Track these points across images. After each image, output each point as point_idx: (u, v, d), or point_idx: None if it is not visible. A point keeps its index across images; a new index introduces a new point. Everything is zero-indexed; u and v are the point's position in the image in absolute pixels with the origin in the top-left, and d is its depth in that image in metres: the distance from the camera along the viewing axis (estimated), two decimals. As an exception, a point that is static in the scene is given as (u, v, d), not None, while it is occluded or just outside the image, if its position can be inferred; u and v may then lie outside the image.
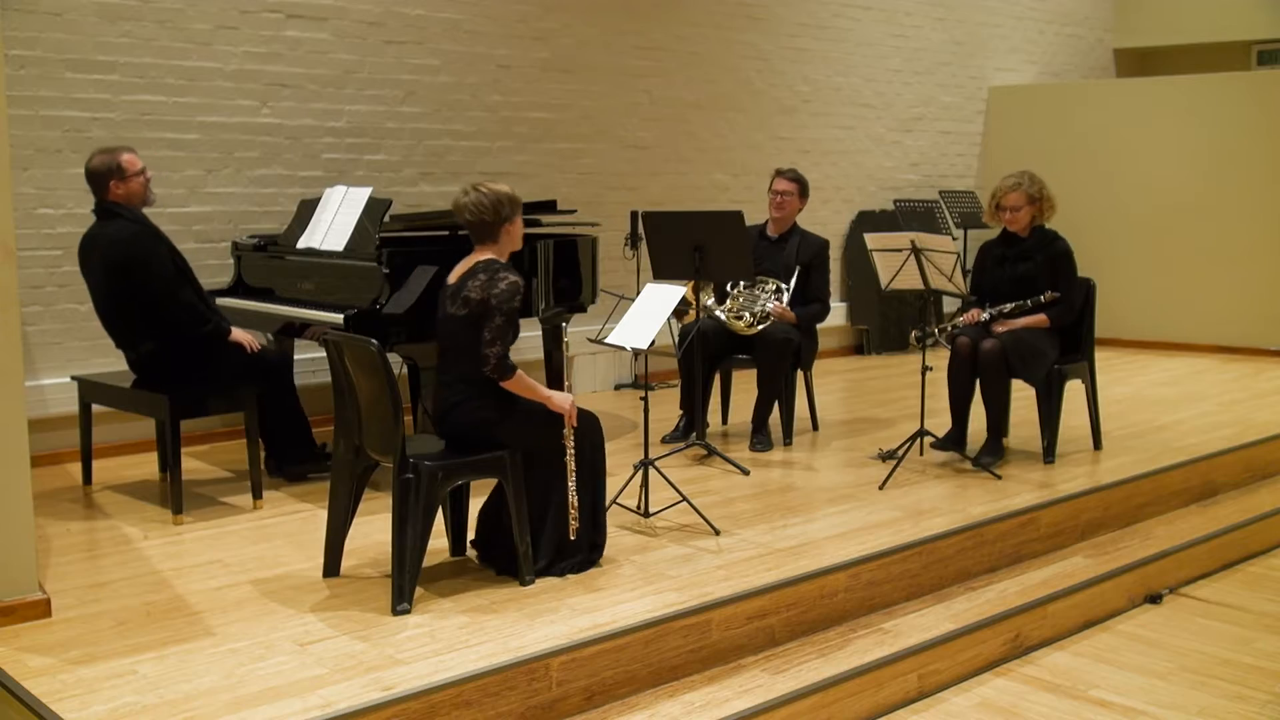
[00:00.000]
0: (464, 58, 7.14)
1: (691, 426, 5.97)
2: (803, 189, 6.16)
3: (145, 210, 4.97)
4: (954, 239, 6.66)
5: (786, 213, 6.14)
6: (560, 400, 4.03)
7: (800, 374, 6.24)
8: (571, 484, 4.05)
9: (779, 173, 6.21)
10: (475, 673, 3.28)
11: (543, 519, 4.08)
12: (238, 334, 5.04)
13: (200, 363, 4.95)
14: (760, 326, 5.83)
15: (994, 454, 5.60)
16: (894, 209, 9.54)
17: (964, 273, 5.40)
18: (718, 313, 5.84)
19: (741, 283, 5.91)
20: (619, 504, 4.69)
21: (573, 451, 4.06)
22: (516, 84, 7.40)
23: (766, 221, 6.21)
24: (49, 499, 5.08)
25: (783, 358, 5.91)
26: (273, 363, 5.22)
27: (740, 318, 5.85)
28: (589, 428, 4.20)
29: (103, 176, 4.85)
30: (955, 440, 5.64)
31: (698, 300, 5.67)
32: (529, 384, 3.99)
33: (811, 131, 9.15)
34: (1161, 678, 4.07)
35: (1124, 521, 5.34)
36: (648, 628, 3.62)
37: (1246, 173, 9.18)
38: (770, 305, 5.84)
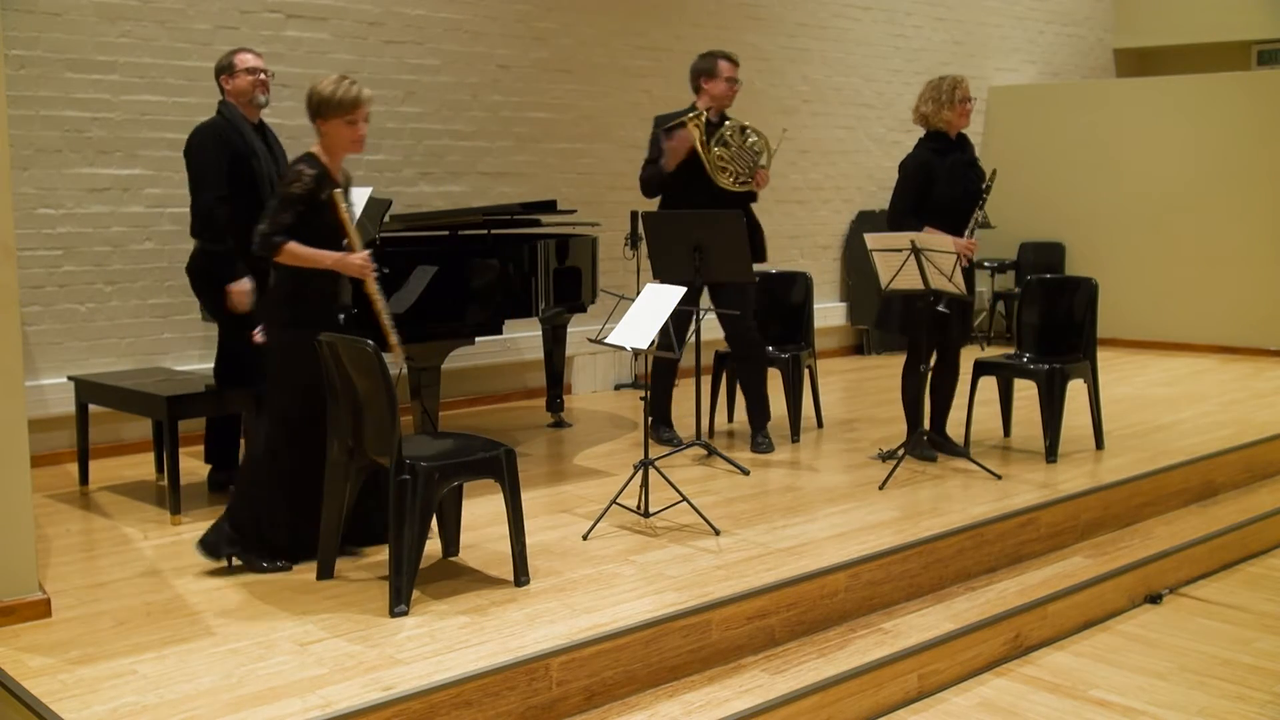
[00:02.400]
0: (464, 58, 7.14)
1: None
2: None
3: (264, 113, 5.00)
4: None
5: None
6: (350, 258, 4.10)
7: (806, 372, 6.30)
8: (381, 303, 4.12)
9: (730, 59, 5.85)
10: (475, 673, 3.27)
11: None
12: (239, 287, 4.81)
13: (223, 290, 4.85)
14: (743, 188, 5.75)
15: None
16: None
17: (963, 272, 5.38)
18: (712, 151, 5.70)
19: (735, 130, 5.75)
20: (619, 504, 4.68)
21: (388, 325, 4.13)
22: (516, 84, 7.40)
23: (694, 109, 5.85)
24: (49, 499, 5.08)
25: (756, 359, 5.93)
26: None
27: (725, 170, 5.75)
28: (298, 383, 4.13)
29: (216, 75, 4.98)
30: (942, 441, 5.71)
31: (706, 144, 5.65)
32: (304, 253, 4.05)
33: (811, 131, 9.15)
34: (1161, 678, 4.07)
35: (1124, 521, 5.34)
36: (648, 628, 3.62)
37: (1246, 173, 9.18)
38: (761, 164, 5.79)
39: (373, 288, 4.14)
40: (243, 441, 5.15)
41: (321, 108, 4.11)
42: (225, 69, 4.95)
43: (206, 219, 4.84)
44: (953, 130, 5.60)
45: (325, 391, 3.98)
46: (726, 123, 5.80)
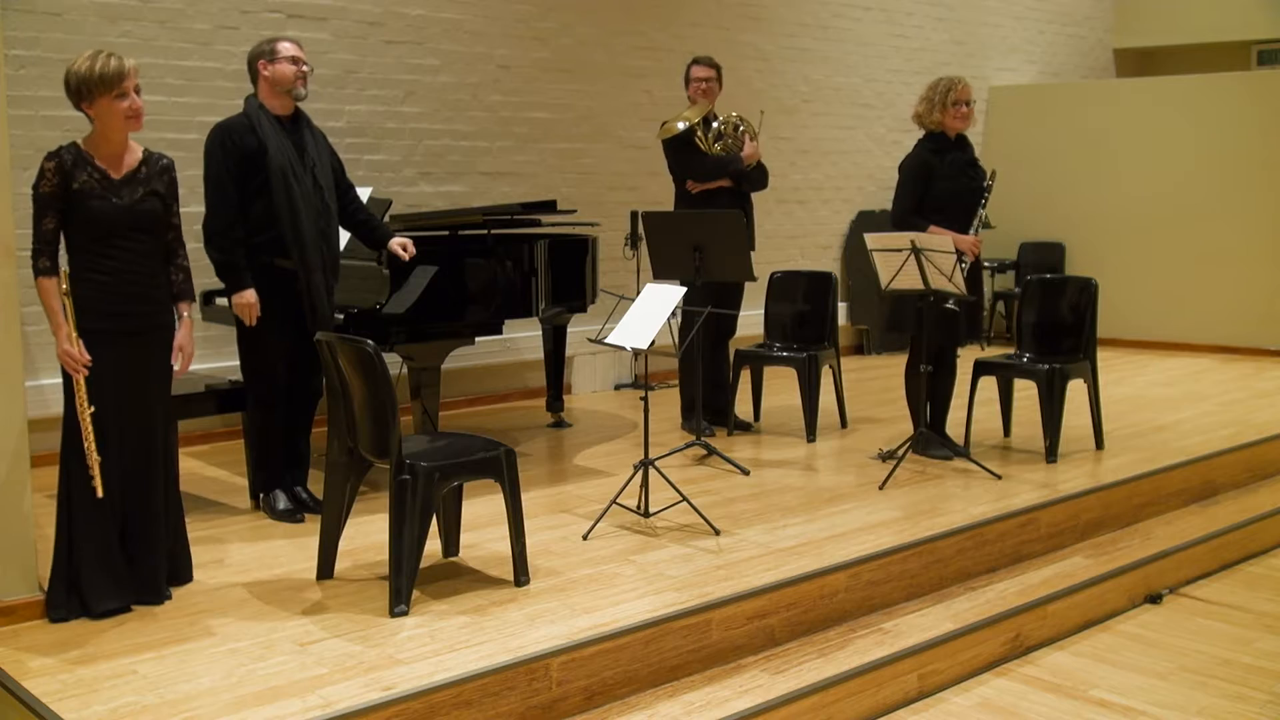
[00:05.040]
0: (464, 58, 7.14)
1: (716, 420, 6.23)
2: (719, 74, 6.27)
3: (300, 105, 4.69)
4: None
5: (712, 98, 6.23)
6: (60, 345, 3.63)
7: (829, 370, 6.37)
8: (90, 446, 3.64)
9: (697, 61, 6.23)
10: (475, 673, 3.28)
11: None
12: (242, 300, 4.55)
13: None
14: (718, 144, 6.12)
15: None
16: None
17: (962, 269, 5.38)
18: (714, 147, 6.13)
19: (726, 125, 6.17)
20: (619, 504, 4.69)
21: (85, 408, 3.64)
22: (516, 84, 7.40)
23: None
24: (49, 499, 5.07)
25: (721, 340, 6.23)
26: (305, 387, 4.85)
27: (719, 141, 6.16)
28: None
29: (251, 62, 4.63)
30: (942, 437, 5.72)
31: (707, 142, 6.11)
32: (50, 304, 3.64)
33: (811, 131, 9.15)
34: (1161, 678, 4.07)
35: (1124, 521, 5.34)
36: (648, 628, 3.62)
37: (1246, 173, 9.18)
38: (746, 148, 6.13)
39: (79, 393, 3.65)
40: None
41: (84, 89, 3.66)
42: (265, 54, 4.59)
43: (207, 229, 4.61)
44: (950, 132, 5.62)
45: (110, 413, 3.70)
46: (716, 122, 6.15)
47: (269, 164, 4.55)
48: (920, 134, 5.71)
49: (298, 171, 4.62)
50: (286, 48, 4.65)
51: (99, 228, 3.72)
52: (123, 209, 3.75)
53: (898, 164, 5.75)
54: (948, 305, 5.29)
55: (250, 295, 4.57)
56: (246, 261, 4.59)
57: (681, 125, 6.06)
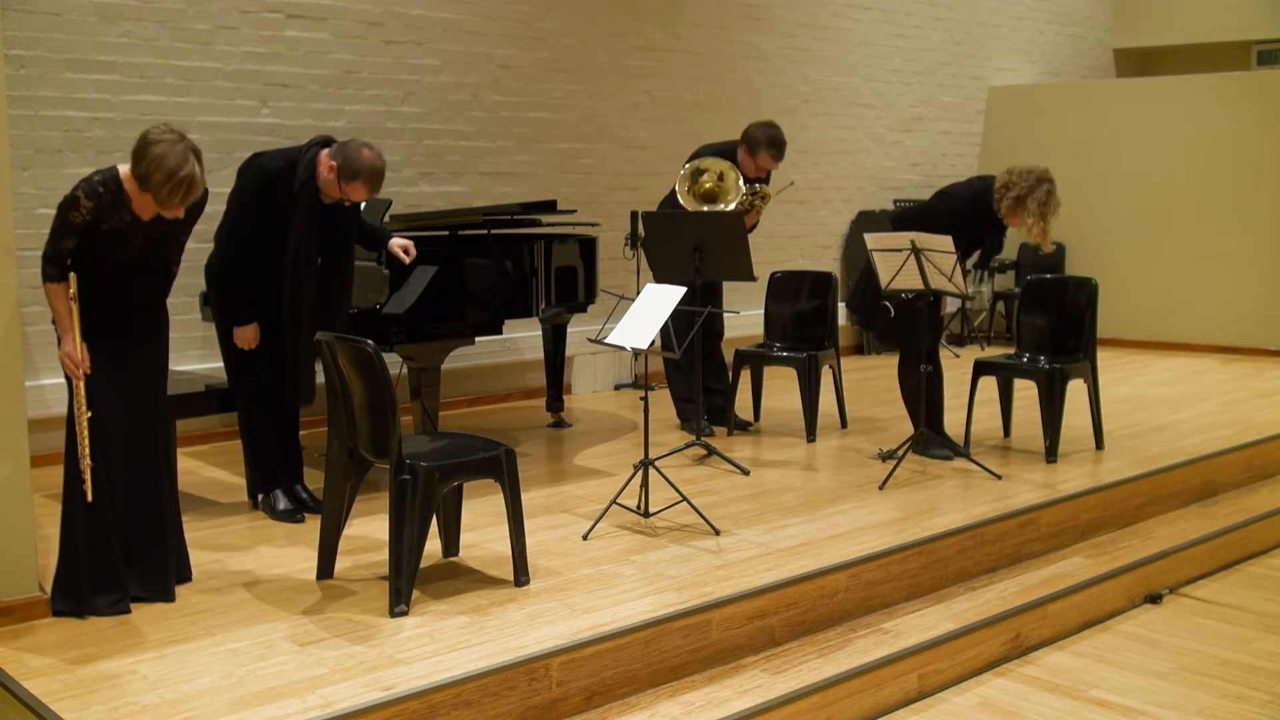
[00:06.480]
0: (464, 58, 7.14)
1: (717, 420, 6.23)
2: None
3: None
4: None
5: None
6: (63, 348, 3.65)
7: (829, 370, 6.36)
8: (83, 450, 3.64)
9: (776, 155, 6.06)
10: (475, 673, 3.28)
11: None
12: (244, 334, 4.61)
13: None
14: (731, 205, 5.98)
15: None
16: (894, 209, 9.55)
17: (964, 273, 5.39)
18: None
19: (748, 196, 5.99)
20: (619, 504, 4.69)
21: (83, 412, 3.64)
22: (516, 84, 7.40)
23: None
24: (49, 499, 5.07)
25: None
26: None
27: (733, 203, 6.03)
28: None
29: (331, 159, 4.54)
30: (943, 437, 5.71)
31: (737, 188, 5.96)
32: (57, 307, 3.65)
33: (811, 131, 9.15)
34: (1161, 678, 4.07)
35: (1124, 521, 5.34)
36: (648, 628, 3.62)
37: (1247, 173, 9.18)
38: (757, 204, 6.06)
39: (78, 397, 3.66)
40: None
41: (142, 174, 3.54)
42: (343, 164, 4.46)
43: (219, 274, 4.64)
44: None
45: (113, 421, 3.71)
46: (744, 191, 5.96)
47: (289, 229, 4.53)
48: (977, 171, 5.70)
49: (311, 258, 4.61)
50: (355, 185, 4.50)
51: (111, 268, 3.73)
52: (141, 247, 3.74)
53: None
54: (884, 303, 5.30)
55: (252, 330, 4.61)
56: (251, 295, 4.61)
57: (728, 207, 5.88)
